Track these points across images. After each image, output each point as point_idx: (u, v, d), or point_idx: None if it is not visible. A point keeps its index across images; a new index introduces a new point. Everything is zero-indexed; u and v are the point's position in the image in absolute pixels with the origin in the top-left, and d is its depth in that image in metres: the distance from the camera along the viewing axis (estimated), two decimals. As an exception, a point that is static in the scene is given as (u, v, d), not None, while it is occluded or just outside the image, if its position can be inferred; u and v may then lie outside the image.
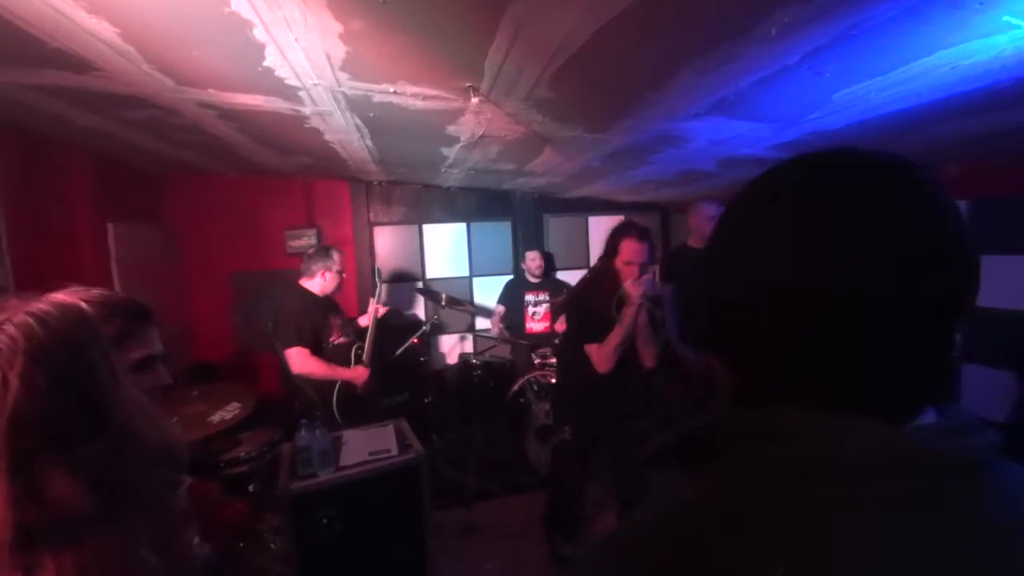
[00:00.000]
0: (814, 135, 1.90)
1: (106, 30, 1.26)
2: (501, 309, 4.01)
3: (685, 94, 1.57)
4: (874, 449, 0.35)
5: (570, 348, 2.33)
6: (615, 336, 2.10)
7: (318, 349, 2.51)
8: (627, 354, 2.16)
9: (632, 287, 2.08)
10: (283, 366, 2.48)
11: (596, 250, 4.75)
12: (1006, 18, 0.99)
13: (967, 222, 0.39)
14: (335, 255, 2.66)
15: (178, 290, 3.64)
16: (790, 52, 1.21)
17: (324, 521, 1.79)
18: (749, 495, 0.37)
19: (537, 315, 4.00)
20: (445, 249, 4.45)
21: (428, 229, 4.39)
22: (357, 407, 2.56)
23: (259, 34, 1.27)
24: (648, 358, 2.22)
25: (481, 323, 4.45)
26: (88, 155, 2.62)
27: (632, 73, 1.45)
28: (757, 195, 0.45)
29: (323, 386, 2.51)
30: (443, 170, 3.32)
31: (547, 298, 3.99)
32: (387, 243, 4.29)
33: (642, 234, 2.12)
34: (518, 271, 4.31)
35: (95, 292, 0.77)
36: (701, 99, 1.61)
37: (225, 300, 3.83)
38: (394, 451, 2.00)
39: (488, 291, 4.45)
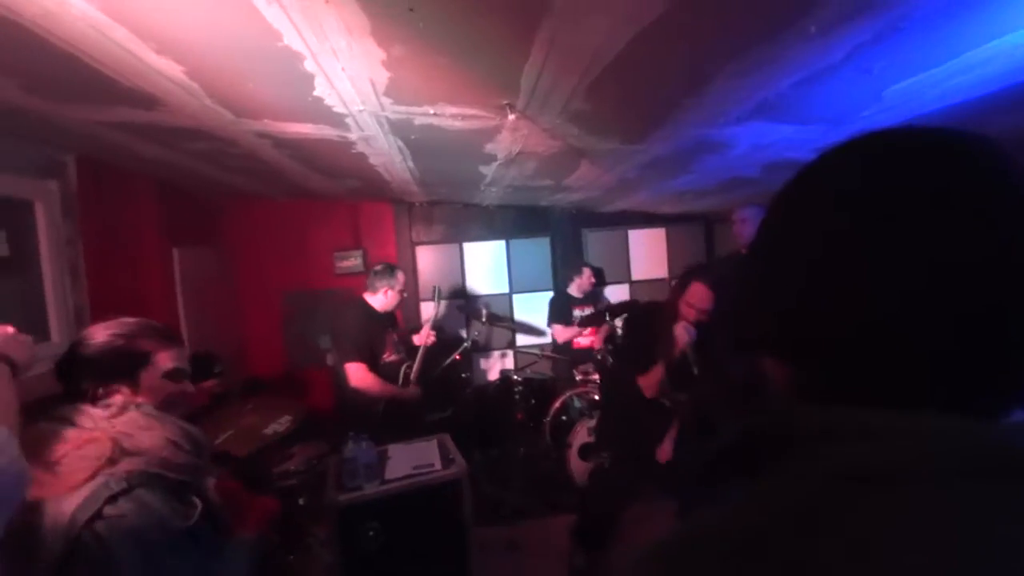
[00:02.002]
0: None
1: (172, 68, 1.38)
2: (571, 329, 3.86)
3: (723, 99, 1.54)
4: (964, 448, 0.33)
5: (620, 365, 2.38)
6: (656, 372, 2.18)
7: (375, 364, 2.59)
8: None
9: (680, 331, 2.06)
10: (337, 379, 2.57)
11: (637, 264, 4.69)
12: (1071, -1, 0.94)
13: None
14: (399, 275, 2.80)
15: (233, 309, 3.84)
16: (833, 50, 1.18)
17: (370, 533, 1.81)
18: (824, 495, 0.35)
19: (584, 330, 3.96)
20: (485, 266, 4.50)
21: (468, 247, 4.45)
22: (402, 421, 2.61)
23: (309, 65, 1.35)
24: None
25: (521, 339, 4.44)
26: (154, 184, 2.82)
27: (667, 80, 1.44)
28: (807, 190, 0.43)
29: (371, 400, 2.58)
30: (482, 188, 3.38)
31: (593, 312, 3.93)
32: (429, 262, 4.38)
33: (716, 283, 2.04)
34: (557, 287, 4.29)
35: (140, 319, 1.07)
36: (740, 103, 1.58)
37: (277, 318, 4.01)
38: (437, 466, 2.01)
39: (528, 308, 4.46)
